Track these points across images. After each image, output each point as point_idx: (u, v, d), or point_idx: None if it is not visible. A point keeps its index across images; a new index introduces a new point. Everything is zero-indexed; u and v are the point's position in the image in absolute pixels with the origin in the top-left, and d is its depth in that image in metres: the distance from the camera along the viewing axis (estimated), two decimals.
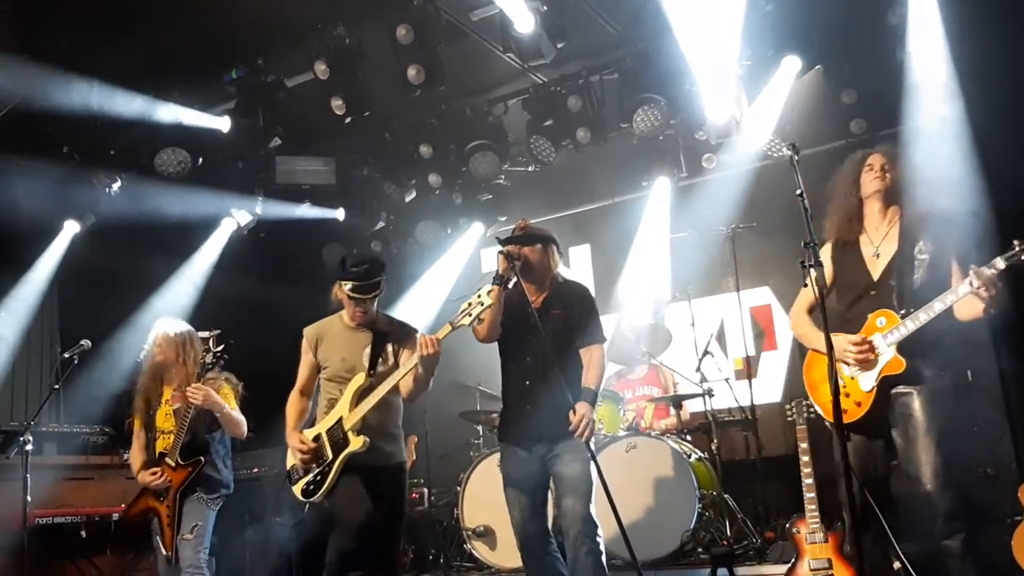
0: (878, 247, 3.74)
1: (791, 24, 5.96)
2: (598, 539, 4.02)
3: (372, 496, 4.13)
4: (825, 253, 3.88)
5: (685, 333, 6.76)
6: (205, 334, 4.78)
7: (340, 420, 4.19)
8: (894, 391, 3.59)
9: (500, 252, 4.14)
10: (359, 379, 4.22)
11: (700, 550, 5.49)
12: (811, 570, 4.28)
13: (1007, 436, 5.75)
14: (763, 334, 7.37)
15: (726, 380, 6.45)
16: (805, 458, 4.34)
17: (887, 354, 3.57)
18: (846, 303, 3.79)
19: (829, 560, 4.24)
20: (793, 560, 4.41)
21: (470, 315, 3.93)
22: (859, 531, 3.46)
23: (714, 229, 6.71)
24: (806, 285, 3.41)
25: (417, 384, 4.18)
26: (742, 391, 6.45)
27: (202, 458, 4.62)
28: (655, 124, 6.50)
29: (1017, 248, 3.32)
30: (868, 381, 3.60)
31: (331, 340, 4.39)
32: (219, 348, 4.68)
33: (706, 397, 6.28)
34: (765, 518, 5.95)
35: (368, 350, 4.28)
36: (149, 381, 4.82)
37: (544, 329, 3.98)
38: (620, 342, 6.68)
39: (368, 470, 4.15)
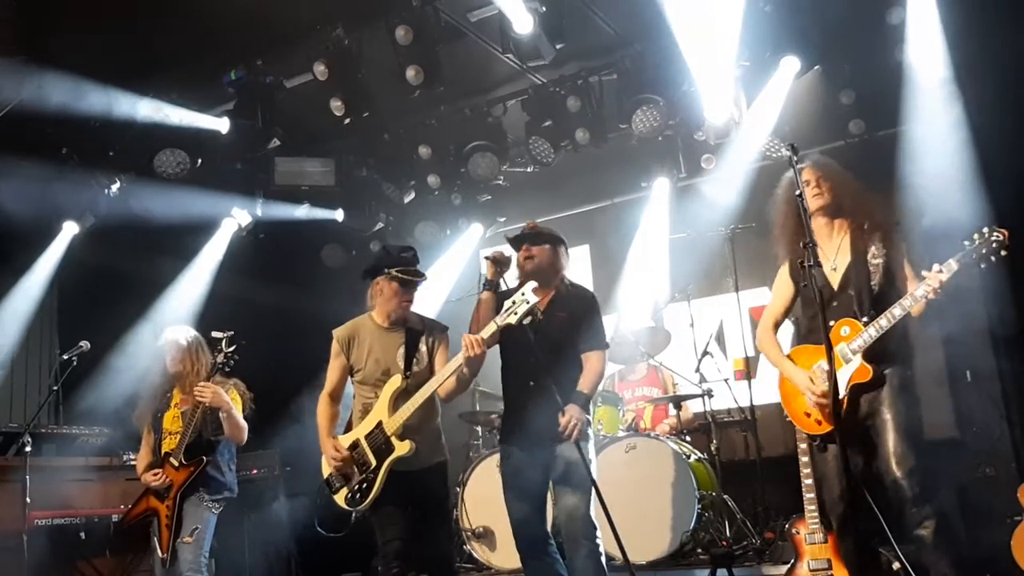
0: (834, 260, 3.82)
1: (790, 25, 5.96)
2: (597, 540, 4.02)
3: (414, 502, 4.09)
4: (783, 275, 3.99)
5: (684, 334, 6.76)
6: (218, 335, 4.75)
7: (380, 425, 4.08)
8: (864, 397, 3.68)
9: (486, 258, 4.16)
10: (395, 382, 4.11)
11: (700, 551, 5.49)
12: (810, 570, 4.28)
13: (1006, 436, 5.76)
14: None
15: (725, 381, 6.45)
16: (804, 459, 4.34)
17: (854, 362, 3.65)
18: (809, 315, 3.88)
19: (829, 560, 4.25)
20: (793, 560, 4.41)
21: (516, 314, 3.82)
22: (855, 532, 3.48)
23: (713, 230, 6.71)
24: (804, 285, 3.45)
25: (459, 384, 4.10)
26: (741, 392, 6.45)
27: (205, 457, 4.62)
28: (654, 125, 6.50)
29: (968, 247, 3.44)
30: (838, 392, 3.64)
31: (363, 341, 4.26)
32: (231, 349, 4.67)
33: (705, 398, 6.28)
34: (764, 519, 5.95)
35: (402, 350, 4.19)
36: (160, 387, 4.83)
37: (549, 330, 3.98)
38: (619, 343, 6.68)
39: (409, 475, 4.07)
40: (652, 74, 6.42)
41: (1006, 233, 3.41)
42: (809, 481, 4.32)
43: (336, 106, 6.23)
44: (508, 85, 7.09)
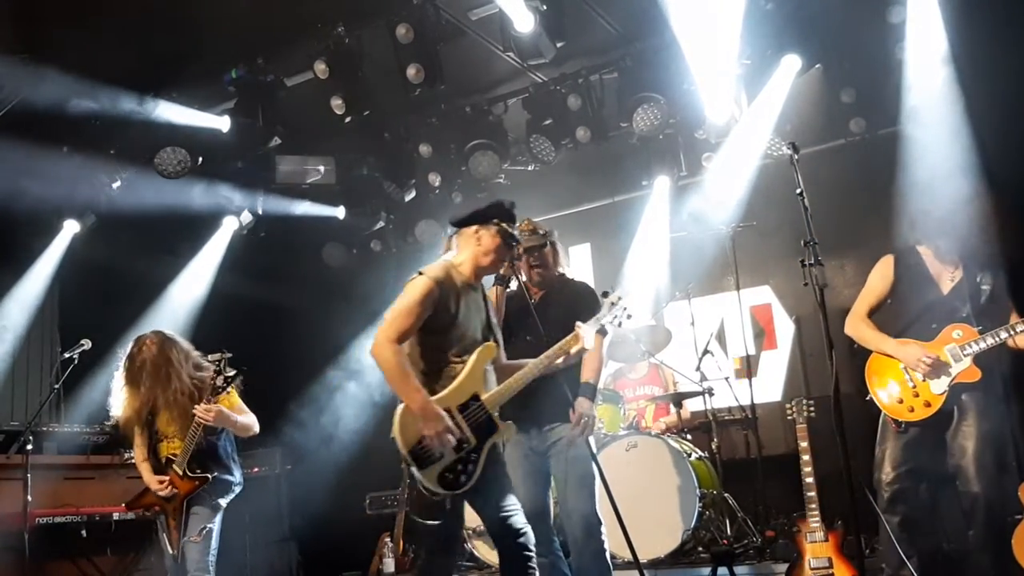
0: (954, 273, 4.14)
1: (791, 23, 5.95)
2: (602, 538, 4.01)
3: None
4: (888, 262, 4.27)
5: (685, 332, 6.76)
6: (216, 356, 4.59)
7: (477, 398, 3.56)
8: (962, 395, 4.01)
9: None
10: (490, 350, 3.64)
11: (701, 549, 5.49)
12: (811, 569, 4.30)
13: (1007, 435, 5.76)
14: (763, 333, 7.36)
15: (726, 379, 6.45)
16: (805, 457, 4.37)
17: (963, 363, 3.98)
18: (914, 312, 4.15)
19: (829, 559, 4.26)
20: (793, 559, 4.42)
21: (616, 316, 3.86)
22: (859, 532, 3.51)
23: (714, 228, 6.72)
24: (805, 284, 3.49)
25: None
26: (742, 390, 6.45)
27: (210, 476, 4.54)
28: (655, 123, 6.49)
29: None
30: (940, 385, 4.02)
31: (456, 295, 3.62)
32: (232, 373, 4.54)
33: (706, 396, 6.28)
34: (765, 517, 5.95)
35: (488, 314, 3.77)
36: (141, 401, 4.61)
37: (543, 319, 3.96)
38: (620, 341, 6.67)
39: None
40: (653, 72, 6.41)
41: None
42: (810, 480, 4.34)
43: (337, 104, 6.22)
44: (509, 83, 7.09)
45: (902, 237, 4.35)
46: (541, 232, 4.32)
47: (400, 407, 3.45)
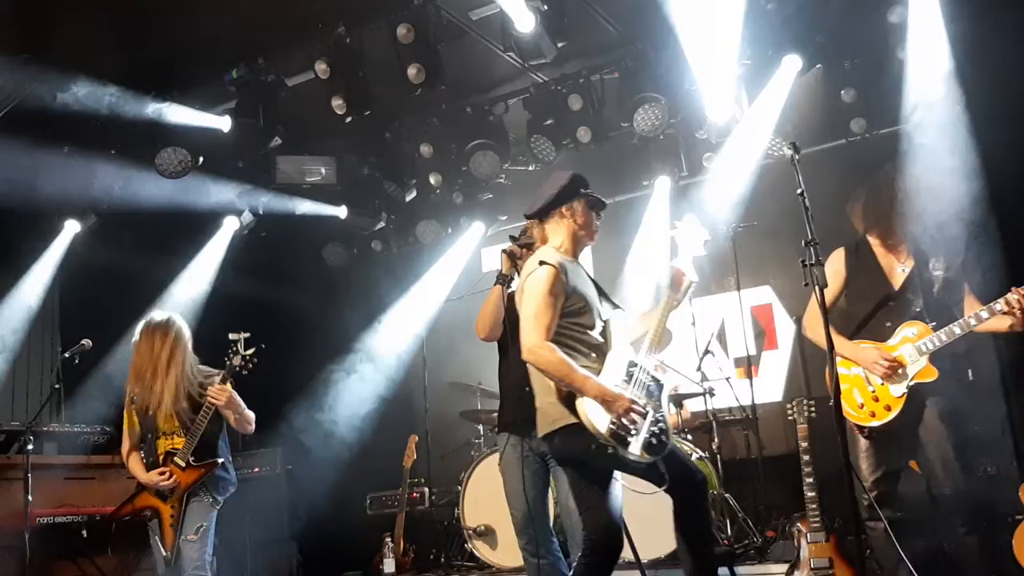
0: (904, 262, 4.04)
1: (792, 23, 5.96)
2: None
3: None
4: (839, 256, 4.18)
5: (686, 332, 6.76)
6: (234, 336, 4.60)
7: (635, 364, 3.59)
8: (922, 395, 3.89)
9: (503, 251, 4.16)
10: (621, 316, 3.71)
11: None
12: (812, 569, 4.29)
13: (1007, 435, 5.76)
14: (764, 333, 7.37)
15: (727, 379, 6.45)
16: (806, 457, 4.36)
17: (919, 363, 3.87)
18: (865, 310, 4.05)
19: (830, 559, 4.26)
20: (794, 559, 4.42)
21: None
22: (859, 532, 3.52)
23: (715, 228, 6.71)
24: (806, 284, 3.48)
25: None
26: (743, 390, 6.45)
27: (219, 459, 4.54)
28: (656, 123, 6.49)
29: None
30: (899, 388, 3.91)
31: (575, 276, 3.63)
32: (249, 352, 4.52)
33: (707, 396, 6.28)
34: (766, 517, 5.95)
35: (595, 284, 3.76)
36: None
37: None
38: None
39: None
40: (654, 73, 6.41)
41: None
42: (811, 480, 4.34)
43: (337, 104, 6.22)
44: (509, 84, 7.09)
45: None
46: None
47: (580, 399, 3.42)
